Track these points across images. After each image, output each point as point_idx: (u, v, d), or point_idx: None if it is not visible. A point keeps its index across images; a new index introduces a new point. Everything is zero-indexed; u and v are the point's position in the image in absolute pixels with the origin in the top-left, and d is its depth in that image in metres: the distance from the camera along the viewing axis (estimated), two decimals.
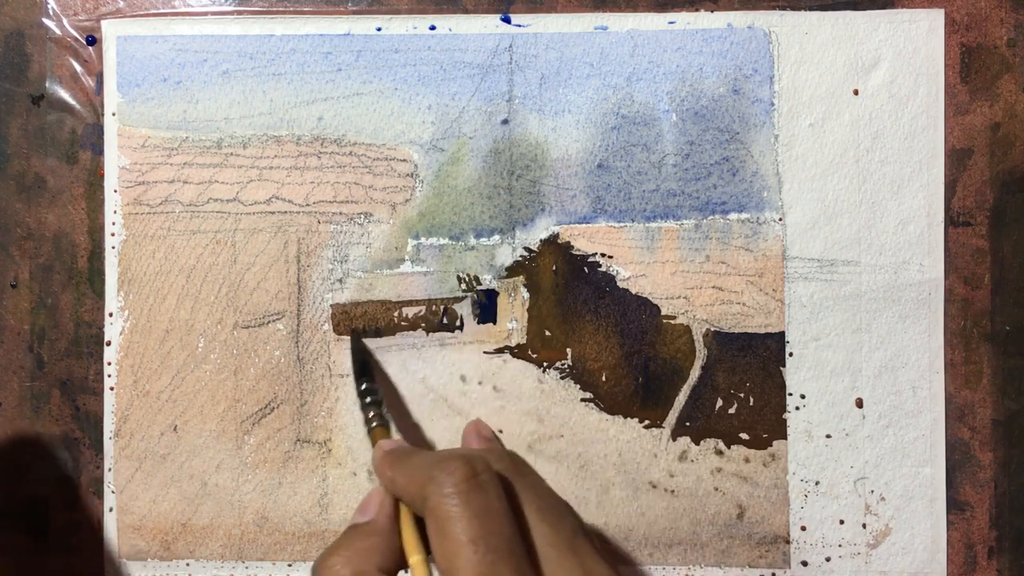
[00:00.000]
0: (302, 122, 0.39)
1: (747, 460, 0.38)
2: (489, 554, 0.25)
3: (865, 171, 0.38)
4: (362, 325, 0.38)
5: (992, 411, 0.38)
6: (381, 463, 0.30)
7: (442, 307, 0.39)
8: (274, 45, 0.39)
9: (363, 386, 0.36)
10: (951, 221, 0.38)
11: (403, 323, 0.39)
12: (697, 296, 0.38)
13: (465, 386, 0.39)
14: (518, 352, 0.39)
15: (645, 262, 0.38)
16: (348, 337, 0.39)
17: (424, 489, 0.27)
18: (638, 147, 0.38)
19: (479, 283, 0.39)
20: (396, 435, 0.35)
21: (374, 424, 0.34)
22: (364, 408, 0.35)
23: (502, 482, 0.28)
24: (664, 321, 0.38)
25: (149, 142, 0.39)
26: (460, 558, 0.25)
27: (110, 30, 0.39)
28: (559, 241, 0.39)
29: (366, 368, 0.37)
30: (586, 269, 0.39)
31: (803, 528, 0.38)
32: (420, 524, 0.29)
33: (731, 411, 0.38)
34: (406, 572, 0.28)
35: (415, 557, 0.28)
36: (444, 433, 0.38)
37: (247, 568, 0.39)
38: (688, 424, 0.38)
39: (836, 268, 0.38)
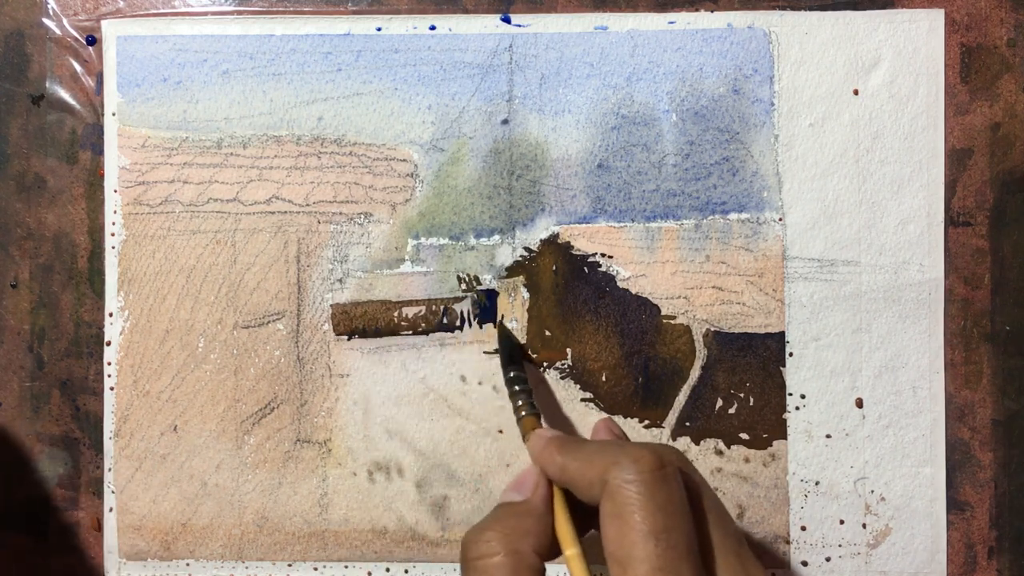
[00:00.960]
0: (302, 122, 0.39)
1: (747, 460, 0.38)
2: (670, 550, 0.24)
3: (865, 171, 0.38)
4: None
5: (992, 411, 0.38)
6: (547, 447, 0.29)
7: (442, 307, 0.39)
8: (274, 45, 0.39)
9: (511, 374, 0.35)
10: (951, 221, 0.38)
11: (403, 323, 0.39)
12: (697, 296, 0.38)
13: (465, 386, 0.39)
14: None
15: (645, 262, 0.38)
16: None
17: (606, 473, 0.26)
18: (638, 147, 0.38)
19: (479, 283, 0.39)
20: (545, 424, 0.35)
21: (523, 413, 0.33)
22: (512, 396, 0.35)
23: (686, 477, 0.27)
24: (664, 321, 0.38)
25: (149, 142, 0.39)
26: (639, 549, 0.24)
27: (110, 30, 0.39)
28: (559, 241, 0.39)
29: (514, 356, 0.36)
30: (586, 269, 0.39)
31: (803, 528, 0.38)
32: (572, 515, 0.28)
33: (731, 411, 0.38)
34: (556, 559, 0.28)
35: (571, 550, 0.27)
36: (444, 433, 0.38)
37: (247, 568, 0.39)
38: (688, 424, 0.38)
39: (836, 268, 0.38)
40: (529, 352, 0.38)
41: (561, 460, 0.28)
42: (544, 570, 0.27)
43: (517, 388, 0.35)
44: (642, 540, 0.24)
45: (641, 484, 0.25)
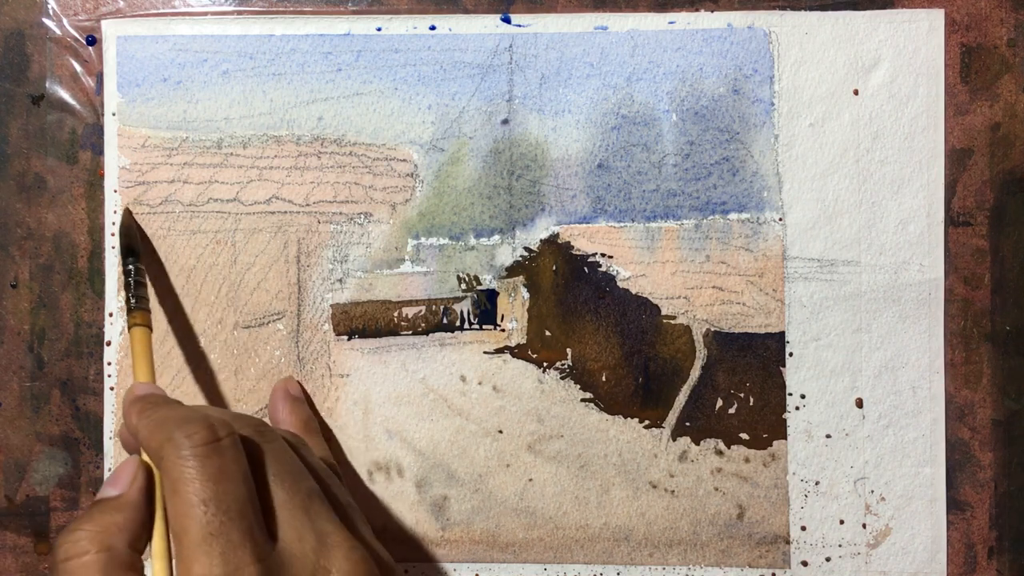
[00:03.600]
0: (302, 122, 0.39)
1: (747, 460, 0.38)
2: (219, 515, 0.25)
3: (865, 171, 0.38)
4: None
5: (992, 411, 0.38)
6: (130, 408, 0.30)
7: (442, 307, 0.39)
8: (274, 45, 0.39)
9: (129, 265, 0.36)
10: (951, 221, 0.38)
11: (403, 323, 0.39)
12: (697, 296, 0.38)
13: (465, 386, 0.39)
14: (518, 352, 0.39)
15: (645, 262, 0.38)
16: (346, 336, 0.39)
17: (162, 449, 0.26)
18: (638, 147, 0.38)
19: (479, 283, 0.39)
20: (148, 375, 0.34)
21: (133, 304, 0.35)
22: (126, 288, 0.35)
23: (247, 446, 0.28)
24: (664, 321, 0.38)
25: (149, 142, 0.39)
26: (189, 518, 0.25)
27: (110, 30, 0.39)
28: (559, 241, 0.39)
29: (133, 247, 0.37)
30: (586, 269, 0.39)
31: (803, 528, 0.38)
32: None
33: (731, 411, 0.38)
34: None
35: (159, 563, 0.27)
36: (444, 433, 0.38)
37: None
38: (688, 424, 0.38)
39: (836, 268, 0.38)
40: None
41: (135, 423, 0.29)
42: (142, 565, 0.27)
43: (131, 280, 0.35)
44: (191, 509, 0.25)
45: (193, 458, 0.26)
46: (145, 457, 0.29)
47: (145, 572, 0.27)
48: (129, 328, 0.34)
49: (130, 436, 0.30)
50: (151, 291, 0.38)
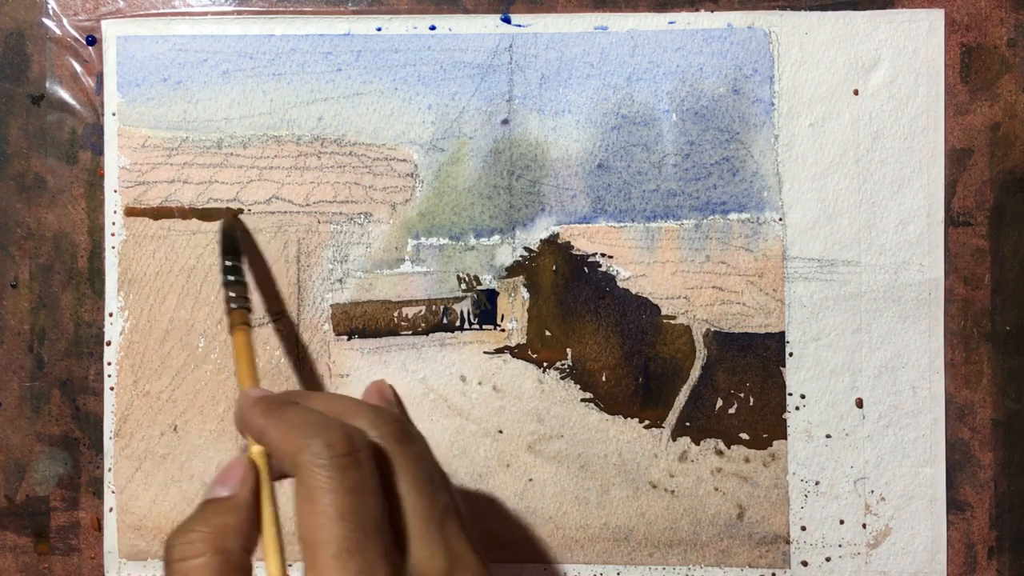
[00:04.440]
0: (302, 122, 0.39)
1: (747, 460, 0.38)
2: (357, 531, 0.24)
3: (865, 171, 0.38)
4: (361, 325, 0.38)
5: (992, 411, 0.38)
6: (252, 409, 0.29)
7: (442, 307, 0.39)
8: (274, 45, 0.39)
9: (228, 263, 0.35)
10: (951, 221, 0.38)
11: (403, 323, 0.39)
12: (697, 296, 0.38)
13: (465, 386, 0.39)
14: (518, 352, 0.39)
15: (645, 262, 0.38)
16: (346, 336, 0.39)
17: (299, 455, 0.26)
18: (638, 147, 0.38)
19: (479, 283, 0.39)
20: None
21: (233, 306, 0.33)
22: (225, 286, 0.34)
23: (381, 453, 0.27)
24: (664, 321, 0.38)
25: (149, 142, 0.39)
26: (326, 530, 0.24)
27: (110, 30, 0.39)
28: (559, 241, 0.39)
29: (235, 246, 0.36)
30: (586, 269, 0.39)
31: (803, 528, 0.38)
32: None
33: (731, 411, 0.38)
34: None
35: (274, 564, 0.27)
36: (444, 433, 0.38)
37: None
38: (688, 424, 0.38)
39: (836, 268, 0.38)
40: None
41: (262, 424, 0.28)
42: (252, 567, 0.27)
43: (232, 279, 0.34)
44: (329, 522, 0.24)
45: (332, 468, 0.25)
46: (253, 456, 0.28)
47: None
48: (231, 330, 0.33)
49: (254, 434, 0.29)
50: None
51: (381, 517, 0.25)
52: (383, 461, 0.27)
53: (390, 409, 0.33)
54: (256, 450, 0.29)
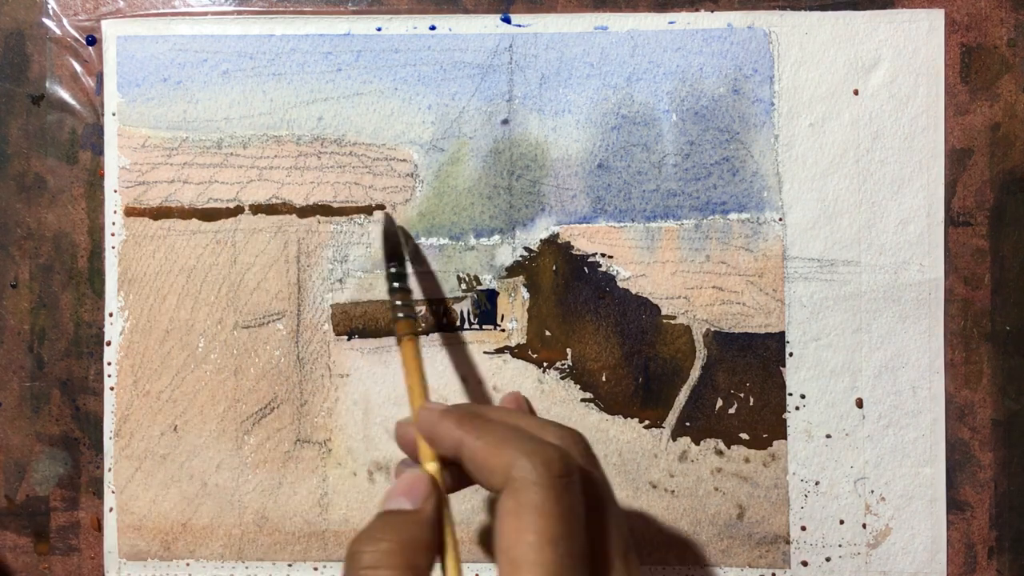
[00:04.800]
0: (302, 122, 0.39)
1: (747, 460, 0.38)
2: (566, 558, 0.24)
3: (865, 171, 0.38)
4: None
5: (992, 411, 0.38)
6: (443, 422, 0.28)
7: (442, 307, 0.39)
8: (274, 45, 0.39)
9: (392, 269, 0.33)
10: (951, 221, 0.38)
11: None
12: (697, 296, 0.38)
13: (465, 386, 0.39)
14: (518, 352, 0.39)
15: (645, 262, 0.38)
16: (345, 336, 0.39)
17: (512, 468, 0.25)
18: (638, 147, 0.38)
19: (479, 283, 0.39)
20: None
21: (400, 315, 0.31)
22: (391, 293, 0.32)
23: (587, 478, 0.27)
24: (664, 321, 0.38)
25: (149, 142, 0.39)
26: (535, 553, 0.24)
27: (110, 30, 0.39)
28: (559, 241, 0.39)
29: (397, 250, 0.34)
30: (586, 269, 0.39)
31: (803, 528, 0.38)
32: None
33: (731, 411, 0.38)
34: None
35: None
36: None
37: (247, 568, 0.39)
38: (688, 424, 0.38)
39: (836, 268, 0.38)
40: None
41: (460, 435, 0.27)
42: None
43: (396, 286, 0.32)
44: (539, 545, 0.24)
45: (547, 488, 0.25)
46: (431, 470, 0.28)
47: None
48: (398, 341, 0.31)
49: (448, 446, 0.28)
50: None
51: (586, 545, 0.25)
52: (590, 488, 0.27)
53: (572, 429, 0.31)
54: (433, 467, 0.28)
